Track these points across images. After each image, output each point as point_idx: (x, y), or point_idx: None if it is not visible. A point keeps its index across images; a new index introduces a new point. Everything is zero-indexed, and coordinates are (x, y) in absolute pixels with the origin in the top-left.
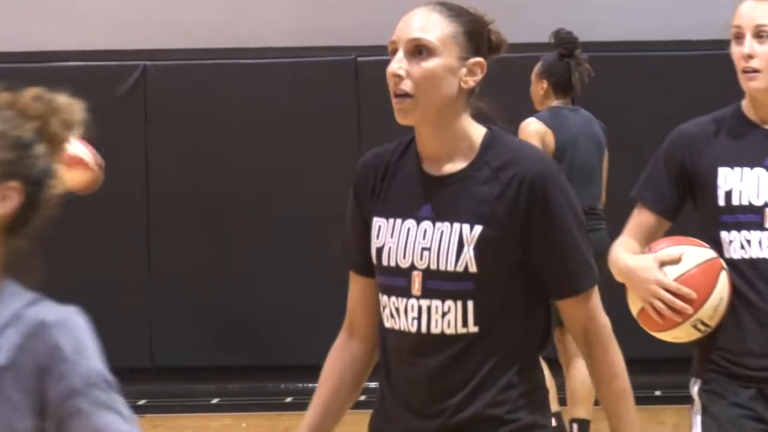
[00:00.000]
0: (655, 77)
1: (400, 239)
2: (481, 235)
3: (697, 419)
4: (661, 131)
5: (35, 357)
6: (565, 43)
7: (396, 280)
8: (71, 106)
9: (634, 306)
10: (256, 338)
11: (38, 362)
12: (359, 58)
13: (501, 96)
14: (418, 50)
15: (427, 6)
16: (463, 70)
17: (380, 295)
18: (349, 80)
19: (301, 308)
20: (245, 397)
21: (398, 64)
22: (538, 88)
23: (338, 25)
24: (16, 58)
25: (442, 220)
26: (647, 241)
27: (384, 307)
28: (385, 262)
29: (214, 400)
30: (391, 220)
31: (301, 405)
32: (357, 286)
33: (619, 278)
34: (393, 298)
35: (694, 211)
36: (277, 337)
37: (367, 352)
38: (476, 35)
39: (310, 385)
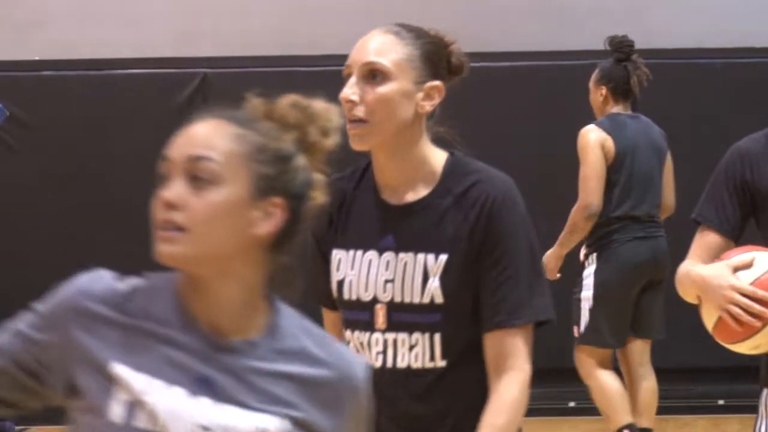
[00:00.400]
0: (716, 84)
1: (362, 271)
2: (447, 264)
3: (762, 428)
4: (723, 139)
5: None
6: (620, 48)
7: (358, 314)
8: (328, 112)
9: (710, 319)
10: None
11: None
12: None
13: (566, 105)
14: (372, 74)
15: (382, 28)
16: (420, 95)
17: (343, 329)
18: None
19: None
20: None
21: (351, 90)
22: (597, 95)
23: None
24: (77, 65)
25: (405, 250)
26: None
27: (348, 342)
28: (346, 296)
29: None
30: (351, 252)
31: None
32: (329, 321)
33: (690, 294)
34: (356, 333)
35: (758, 230)
36: None
37: None
38: (434, 58)
39: None
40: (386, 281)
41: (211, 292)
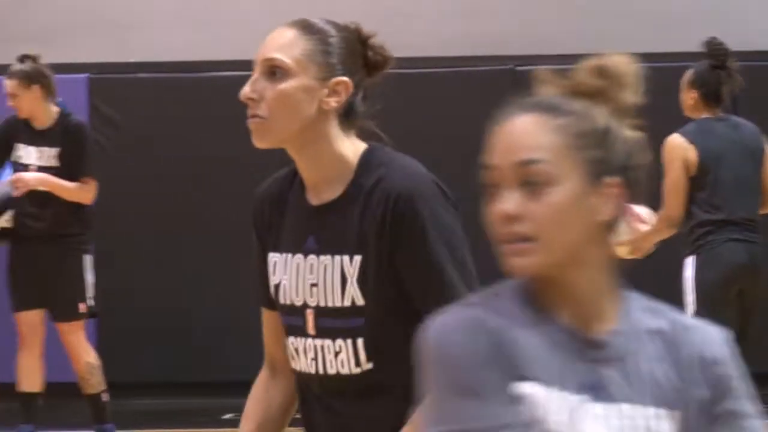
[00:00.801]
0: None
1: (292, 275)
2: (362, 265)
3: None
4: None
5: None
6: (716, 54)
7: (293, 319)
8: (624, 65)
9: None
10: None
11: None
12: (517, 68)
13: (664, 105)
14: (272, 71)
15: (287, 23)
16: (324, 91)
17: (284, 334)
18: (506, 90)
19: None
20: None
21: (250, 87)
22: (688, 97)
23: (496, 34)
24: (172, 67)
25: (325, 252)
26: None
27: (287, 348)
28: (281, 300)
29: None
30: (284, 255)
31: None
32: (268, 322)
33: None
34: (292, 338)
35: None
36: None
37: (291, 386)
38: (345, 53)
39: None
40: (311, 285)
41: (567, 287)
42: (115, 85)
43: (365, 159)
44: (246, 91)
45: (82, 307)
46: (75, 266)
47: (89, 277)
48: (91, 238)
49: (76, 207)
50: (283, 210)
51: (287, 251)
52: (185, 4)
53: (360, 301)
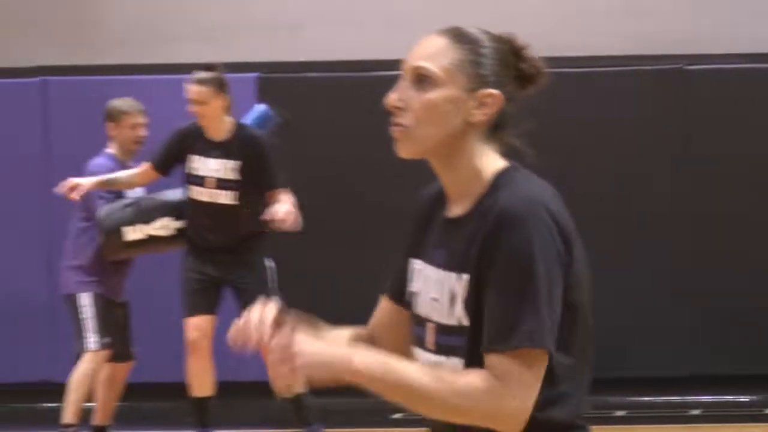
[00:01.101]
0: None
1: (422, 286)
2: (468, 285)
3: None
4: None
5: None
6: None
7: (418, 330)
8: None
9: None
10: None
11: None
12: (687, 67)
13: None
14: (420, 79)
15: (439, 31)
16: (472, 103)
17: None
18: (676, 90)
19: None
20: None
21: (397, 95)
22: None
23: (666, 34)
24: (340, 67)
25: (445, 268)
26: None
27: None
28: (415, 309)
29: None
30: (421, 264)
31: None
32: (382, 312)
33: None
34: (415, 350)
35: None
36: None
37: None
38: (496, 65)
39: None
40: (432, 299)
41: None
42: (284, 84)
43: (497, 178)
44: (392, 98)
45: None
46: (260, 269)
47: (273, 280)
48: (271, 241)
49: (254, 216)
50: (432, 218)
51: (424, 260)
52: (354, 3)
53: (465, 322)
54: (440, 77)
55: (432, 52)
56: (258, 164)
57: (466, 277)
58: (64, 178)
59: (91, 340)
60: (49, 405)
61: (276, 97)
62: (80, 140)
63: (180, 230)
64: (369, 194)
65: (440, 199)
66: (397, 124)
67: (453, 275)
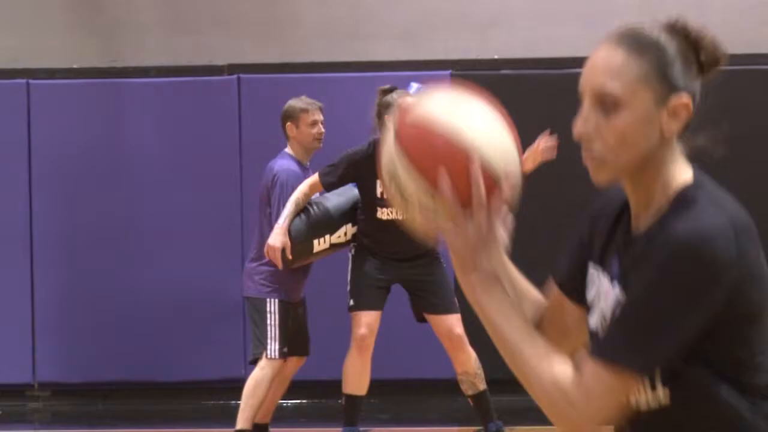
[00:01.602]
0: None
1: (595, 295)
2: None
3: None
4: None
5: None
6: None
7: (590, 343)
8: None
9: None
10: None
11: None
12: None
13: None
14: (604, 101)
15: (612, 40)
16: (664, 116)
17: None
18: None
19: None
20: None
21: (583, 123)
22: None
23: None
24: (535, 64)
25: (618, 283)
26: None
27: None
28: (589, 321)
29: None
30: (596, 269)
31: None
32: (553, 297)
33: None
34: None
35: None
36: None
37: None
38: (677, 65)
39: None
40: (602, 313)
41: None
42: (477, 81)
43: (682, 196)
44: (579, 128)
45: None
46: (442, 270)
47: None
48: None
49: None
50: (616, 224)
51: (601, 268)
52: (547, 1)
53: None
54: (627, 98)
55: (612, 69)
56: None
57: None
58: (255, 174)
59: (274, 348)
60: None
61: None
62: (271, 137)
63: (354, 235)
64: (562, 190)
65: (622, 206)
66: (589, 154)
67: (620, 291)
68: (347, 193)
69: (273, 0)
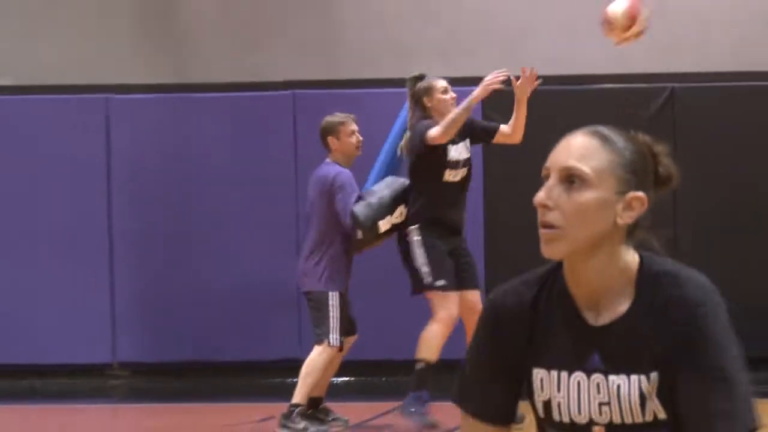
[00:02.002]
0: None
1: (571, 394)
2: (661, 381)
3: None
4: None
5: None
6: None
7: None
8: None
9: None
10: None
11: None
12: None
13: None
14: (571, 179)
15: (587, 131)
16: (620, 206)
17: None
18: None
19: None
20: None
21: (546, 193)
22: None
23: None
24: (558, 80)
25: (616, 372)
26: None
27: None
28: (557, 418)
29: None
30: (554, 372)
31: None
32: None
33: None
34: None
35: None
36: None
37: None
38: (639, 168)
39: None
40: (601, 404)
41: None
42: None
43: (646, 270)
44: (541, 197)
45: None
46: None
47: None
48: None
49: None
50: (548, 324)
51: (559, 368)
52: (569, 17)
53: (662, 415)
54: (594, 180)
55: (587, 153)
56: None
57: (655, 375)
58: (308, 180)
59: (334, 337)
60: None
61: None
62: (322, 147)
63: (407, 217)
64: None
65: (539, 304)
66: (546, 225)
67: (636, 377)
68: (394, 184)
69: (326, 21)
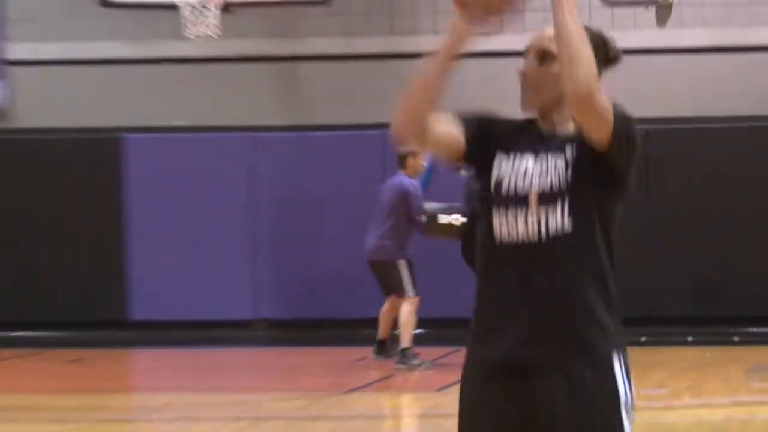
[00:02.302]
0: None
1: (519, 171)
2: (576, 154)
3: None
4: None
5: None
6: None
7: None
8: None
9: None
10: None
11: None
12: None
13: None
14: (544, 56)
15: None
16: None
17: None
18: None
19: None
20: None
21: (527, 66)
22: None
23: None
24: None
25: (553, 152)
26: None
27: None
28: (504, 192)
29: None
30: (511, 155)
31: None
32: (443, 119)
33: None
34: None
35: None
36: None
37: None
38: (593, 47)
39: None
40: (539, 176)
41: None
42: None
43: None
44: (524, 69)
45: None
46: None
47: None
48: None
49: None
50: (519, 135)
51: (515, 152)
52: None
53: (570, 180)
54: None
55: (552, 37)
56: None
57: (572, 149)
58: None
59: (411, 291)
60: (369, 332)
61: None
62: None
63: (463, 224)
64: None
65: (520, 126)
66: (526, 86)
67: (561, 154)
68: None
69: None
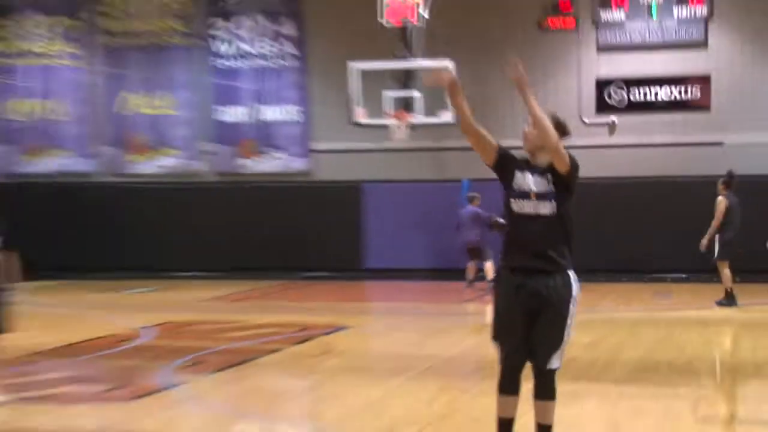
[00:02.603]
0: None
1: (526, 179)
2: (552, 175)
3: None
4: None
5: None
6: None
7: (521, 194)
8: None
9: None
10: None
11: None
12: None
13: None
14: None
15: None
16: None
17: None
18: None
19: None
20: None
21: (530, 129)
22: None
23: None
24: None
25: (540, 173)
26: None
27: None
28: (516, 189)
29: None
30: (520, 171)
31: None
32: (492, 144)
33: None
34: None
35: None
36: None
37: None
38: (557, 126)
39: None
40: (536, 183)
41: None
42: None
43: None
44: (526, 130)
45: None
46: None
47: None
48: None
49: None
50: (523, 163)
51: (522, 170)
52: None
53: (551, 187)
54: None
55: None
56: None
57: (550, 174)
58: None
59: (489, 260)
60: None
61: None
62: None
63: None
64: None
65: (522, 160)
66: (528, 140)
67: (544, 174)
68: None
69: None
